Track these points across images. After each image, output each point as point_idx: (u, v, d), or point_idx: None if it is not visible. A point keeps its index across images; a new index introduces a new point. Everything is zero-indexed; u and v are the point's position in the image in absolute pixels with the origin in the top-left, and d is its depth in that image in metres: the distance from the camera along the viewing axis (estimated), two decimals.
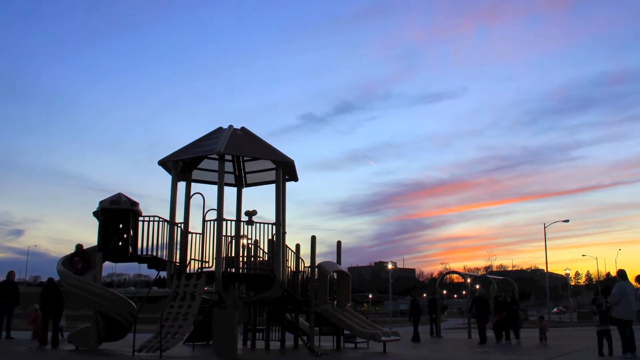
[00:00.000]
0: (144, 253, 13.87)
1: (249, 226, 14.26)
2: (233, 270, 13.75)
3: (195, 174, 15.60)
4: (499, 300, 18.72)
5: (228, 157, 15.50)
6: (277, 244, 13.87)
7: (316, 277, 15.17)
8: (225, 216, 13.53)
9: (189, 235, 14.10)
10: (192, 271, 13.53)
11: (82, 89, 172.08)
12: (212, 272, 13.13)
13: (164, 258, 13.84)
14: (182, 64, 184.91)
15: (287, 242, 14.64)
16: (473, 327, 21.42)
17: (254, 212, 14.42)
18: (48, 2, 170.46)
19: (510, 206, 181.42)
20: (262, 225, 14.11)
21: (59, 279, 13.89)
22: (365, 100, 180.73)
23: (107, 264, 14.32)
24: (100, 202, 13.99)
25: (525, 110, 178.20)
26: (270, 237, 14.08)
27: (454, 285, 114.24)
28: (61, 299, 14.38)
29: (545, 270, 68.73)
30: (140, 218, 13.99)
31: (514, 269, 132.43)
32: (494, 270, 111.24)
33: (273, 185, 14.60)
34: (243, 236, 14.19)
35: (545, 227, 55.29)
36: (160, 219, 14.00)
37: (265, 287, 13.80)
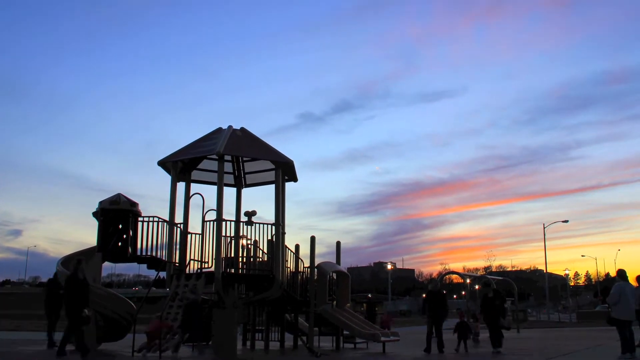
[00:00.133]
0: (144, 253, 13.87)
1: (249, 227, 14.27)
2: (232, 270, 13.77)
3: (195, 174, 15.60)
4: (488, 297, 15.56)
5: (227, 157, 15.52)
6: (277, 245, 13.87)
7: (315, 277, 15.17)
8: (224, 216, 13.54)
9: (189, 236, 14.11)
10: (191, 271, 13.55)
11: (81, 89, 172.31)
12: (211, 272, 13.13)
13: (164, 258, 13.85)
14: (181, 63, 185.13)
15: (286, 243, 14.66)
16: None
17: (253, 213, 14.43)
18: (48, 3, 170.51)
19: (509, 206, 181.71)
20: (261, 225, 14.12)
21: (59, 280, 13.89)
22: (364, 99, 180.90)
23: (106, 264, 14.33)
24: (100, 203, 13.99)
25: (525, 110, 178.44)
26: (269, 238, 14.09)
27: (453, 286, 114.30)
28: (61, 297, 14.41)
29: (545, 271, 68.92)
30: (140, 218, 13.99)
31: (513, 269, 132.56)
32: (493, 270, 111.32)
33: (272, 186, 14.61)
34: (242, 236, 14.20)
35: (544, 228, 55.45)
36: (160, 220, 14.01)
37: (264, 288, 13.80)
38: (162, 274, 13.69)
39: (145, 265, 14.30)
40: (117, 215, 13.78)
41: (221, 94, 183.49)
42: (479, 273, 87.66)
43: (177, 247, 14.00)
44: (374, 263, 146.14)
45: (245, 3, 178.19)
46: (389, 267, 74.48)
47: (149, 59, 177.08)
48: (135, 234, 13.91)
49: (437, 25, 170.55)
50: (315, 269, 15.23)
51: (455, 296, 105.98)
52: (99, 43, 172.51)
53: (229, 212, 15.14)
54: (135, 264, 14.64)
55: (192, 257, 13.86)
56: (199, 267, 13.67)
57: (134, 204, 14.07)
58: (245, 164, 16.53)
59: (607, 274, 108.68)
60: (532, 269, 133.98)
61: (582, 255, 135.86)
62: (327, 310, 14.83)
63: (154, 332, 11.43)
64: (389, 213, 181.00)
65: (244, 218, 14.53)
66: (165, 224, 13.98)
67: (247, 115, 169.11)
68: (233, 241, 13.91)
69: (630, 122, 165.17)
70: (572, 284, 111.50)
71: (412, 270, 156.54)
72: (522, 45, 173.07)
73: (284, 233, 14.41)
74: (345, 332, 15.61)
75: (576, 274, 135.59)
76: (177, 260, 13.88)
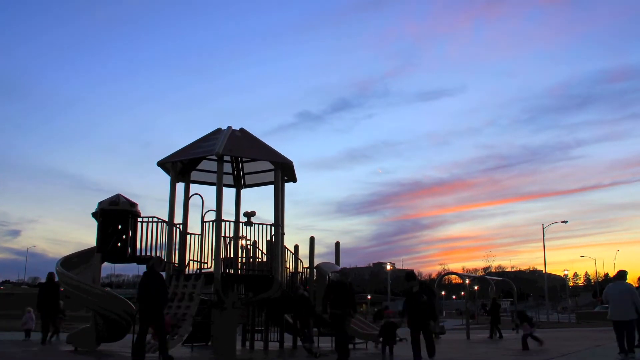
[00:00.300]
0: (143, 254, 13.90)
1: (248, 227, 14.29)
2: (232, 271, 13.78)
3: (194, 175, 15.62)
4: (412, 292, 11.16)
5: (227, 158, 15.54)
6: (276, 245, 13.89)
7: (315, 278, 15.19)
8: (224, 217, 13.55)
9: (188, 236, 14.13)
10: (190, 272, 13.57)
11: (81, 90, 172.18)
12: (211, 273, 13.15)
13: (163, 259, 13.86)
14: (179, 64, 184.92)
15: (285, 243, 14.68)
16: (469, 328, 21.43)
17: (252, 213, 14.44)
18: (49, 4, 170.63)
19: (509, 206, 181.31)
20: (260, 226, 14.14)
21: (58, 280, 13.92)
22: (362, 97, 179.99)
23: (106, 264, 14.36)
24: (99, 203, 14.02)
25: (525, 108, 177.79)
26: (268, 238, 14.11)
27: (452, 286, 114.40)
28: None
29: (544, 271, 68.94)
30: (139, 219, 14.02)
31: (512, 269, 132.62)
32: (492, 271, 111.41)
33: (272, 187, 14.63)
34: (242, 237, 14.22)
35: (543, 228, 55.50)
36: (159, 220, 14.04)
37: (264, 288, 13.83)
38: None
39: (144, 266, 14.31)
40: (117, 216, 13.81)
41: (219, 93, 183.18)
42: (478, 274, 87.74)
43: (177, 247, 14.02)
44: (373, 263, 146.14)
45: (242, 2, 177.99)
46: (388, 267, 74.41)
47: (147, 59, 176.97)
48: (134, 235, 13.94)
49: (436, 23, 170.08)
50: (315, 270, 15.26)
51: (454, 296, 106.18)
52: (99, 44, 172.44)
53: (228, 213, 15.17)
54: (134, 265, 14.67)
55: (191, 258, 13.88)
56: (198, 267, 13.68)
57: (134, 205, 14.09)
58: (244, 164, 16.55)
59: (607, 275, 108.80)
60: (531, 269, 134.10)
61: (581, 256, 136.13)
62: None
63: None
64: (388, 213, 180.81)
65: (243, 218, 14.56)
66: (164, 224, 14.01)
67: (244, 115, 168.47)
68: (232, 242, 13.93)
69: (631, 121, 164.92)
70: (571, 284, 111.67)
71: (412, 271, 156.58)
72: (521, 43, 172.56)
73: (283, 234, 14.43)
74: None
75: (575, 275, 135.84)
76: (176, 261, 13.90)
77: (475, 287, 38.81)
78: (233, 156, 15.61)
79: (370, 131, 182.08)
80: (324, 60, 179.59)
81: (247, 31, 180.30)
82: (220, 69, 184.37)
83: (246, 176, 16.82)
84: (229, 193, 16.19)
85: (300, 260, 16.00)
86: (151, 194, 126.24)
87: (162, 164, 14.32)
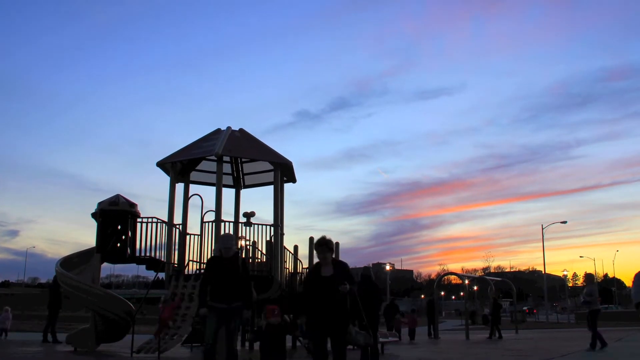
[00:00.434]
0: (143, 254, 13.91)
1: (247, 227, 14.31)
2: None
3: (194, 175, 15.64)
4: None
5: (226, 158, 15.55)
6: (276, 245, 13.91)
7: None
8: (223, 217, 13.57)
9: (187, 237, 14.14)
10: (190, 272, 13.57)
11: (81, 90, 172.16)
12: None
13: (162, 259, 13.87)
14: (178, 63, 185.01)
15: (284, 243, 14.70)
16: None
17: (252, 214, 14.47)
18: (50, 5, 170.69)
19: (508, 206, 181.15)
20: (260, 226, 14.16)
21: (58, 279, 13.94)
22: (361, 96, 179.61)
23: (105, 265, 14.37)
24: (99, 204, 14.02)
25: (525, 107, 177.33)
26: (268, 239, 14.12)
27: (452, 287, 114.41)
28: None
29: (543, 272, 68.99)
30: (139, 219, 14.03)
31: (511, 270, 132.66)
32: (491, 271, 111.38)
33: (271, 187, 14.65)
34: (241, 237, 14.23)
35: (543, 229, 55.52)
36: (159, 220, 14.04)
37: (263, 289, 13.84)
38: (161, 275, 13.72)
39: (144, 266, 14.33)
40: (116, 216, 13.81)
41: (218, 93, 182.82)
42: (478, 274, 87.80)
43: (176, 248, 14.03)
44: (373, 264, 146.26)
45: (240, 2, 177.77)
46: (388, 267, 74.50)
47: (147, 60, 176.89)
48: (134, 235, 13.94)
49: (435, 21, 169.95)
50: None
51: (453, 297, 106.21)
52: (99, 45, 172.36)
53: (227, 213, 15.20)
54: (134, 265, 14.69)
55: (191, 258, 13.89)
56: (198, 267, 13.69)
57: (133, 205, 14.10)
58: (244, 165, 16.57)
59: (606, 275, 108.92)
60: (530, 269, 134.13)
61: (581, 256, 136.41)
62: None
63: (167, 319, 11.45)
64: (387, 213, 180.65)
65: (242, 219, 14.57)
66: (164, 224, 14.01)
67: (242, 115, 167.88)
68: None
69: (631, 120, 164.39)
70: (570, 284, 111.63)
71: (411, 271, 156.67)
72: (521, 42, 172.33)
73: (282, 234, 14.45)
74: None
75: (575, 275, 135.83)
76: (175, 261, 13.91)
77: (475, 288, 38.83)
78: (232, 156, 15.63)
79: (369, 130, 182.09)
80: (322, 59, 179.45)
81: (246, 31, 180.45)
82: (219, 69, 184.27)
83: (245, 176, 16.83)
84: (228, 193, 16.23)
85: (300, 261, 16.01)
86: (151, 195, 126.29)
87: (161, 164, 14.33)
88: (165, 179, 14.64)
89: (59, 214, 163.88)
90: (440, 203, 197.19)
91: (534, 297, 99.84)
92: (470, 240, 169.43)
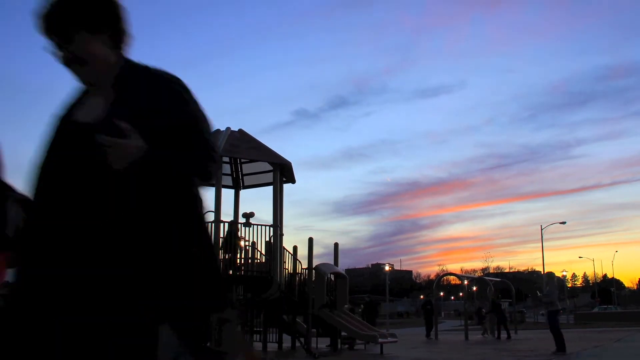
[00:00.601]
0: None
1: (247, 228, 14.30)
2: (230, 272, 13.78)
3: None
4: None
5: (225, 159, 15.53)
6: (275, 246, 13.90)
7: (313, 279, 15.20)
8: (222, 218, 13.56)
9: None
10: None
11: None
12: None
13: None
14: (176, 64, 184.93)
15: (284, 244, 14.69)
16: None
17: (251, 214, 14.45)
18: None
19: (508, 206, 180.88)
20: (259, 227, 14.15)
21: None
22: (360, 94, 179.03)
23: None
24: None
25: (525, 106, 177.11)
26: (267, 239, 14.12)
27: (451, 287, 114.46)
28: None
29: (542, 272, 68.97)
30: None
31: (511, 270, 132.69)
32: (491, 272, 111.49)
33: (270, 187, 14.64)
34: (241, 238, 14.22)
35: (542, 229, 55.50)
36: None
37: (262, 289, 13.83)
38: None
39: None
40: None
41: (215, 92, 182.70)
42: (477, 274, 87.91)
43: None
44: (372, 264, 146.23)
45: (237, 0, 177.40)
46: (387, 268, 74.43)
47: (146, 59, 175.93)
48: None
49: (434, 18, 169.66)
50: (313, 271, 15.27)
51: (453, 297, 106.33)
52: None
53: (227, 214, 15.17)
54: None
55: None
56: None
57: None
58: (243, 165, 16.55)
59: (605, 275, 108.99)
60: (529, 270, 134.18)
61: (580, 257, 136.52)
62: (325, 311, 14.85)
63: None
64: (387, 213, 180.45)
65: (242, 219, 14.56)
66: None
67: (240, 113, 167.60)
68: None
69: (632, 119, 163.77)
70: (569, 285, 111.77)
71: (410, 272, 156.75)
72: (522, 39, 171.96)
73: (282, 234, 14.44)
74: (343, 334, 15.64)
75: (574, 275, 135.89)
76: None
77: (474, 288, 38.84)
78: (231, 157, 15.61)
79: (368, 129, 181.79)
80: (320, 57, 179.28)
81: (242, 28, 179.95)
82: (217, 68, 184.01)
83: (245, 177, 16.81)
84: (227, 194, 16.21)
85: (299, 261, 16.01)
86: None
87: None
88: None
89: None
90: (439, 203, 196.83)
91: (533, 298, 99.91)
92: (469, 240, 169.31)
